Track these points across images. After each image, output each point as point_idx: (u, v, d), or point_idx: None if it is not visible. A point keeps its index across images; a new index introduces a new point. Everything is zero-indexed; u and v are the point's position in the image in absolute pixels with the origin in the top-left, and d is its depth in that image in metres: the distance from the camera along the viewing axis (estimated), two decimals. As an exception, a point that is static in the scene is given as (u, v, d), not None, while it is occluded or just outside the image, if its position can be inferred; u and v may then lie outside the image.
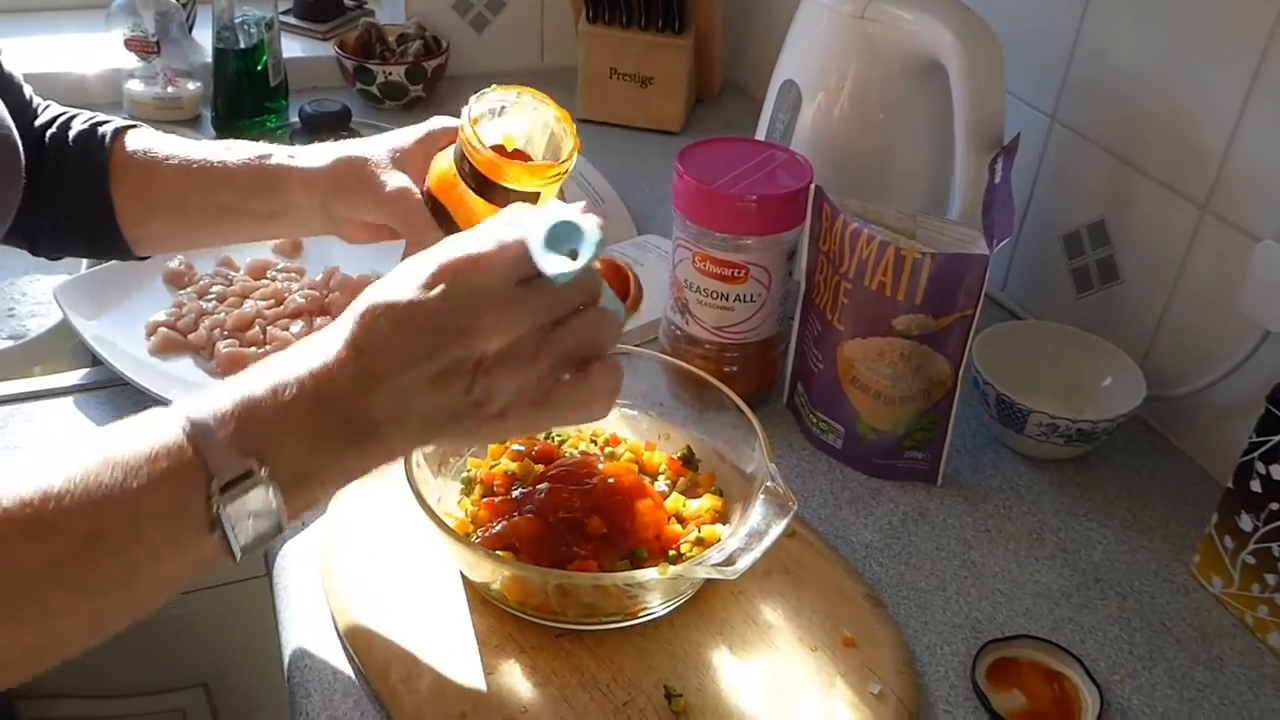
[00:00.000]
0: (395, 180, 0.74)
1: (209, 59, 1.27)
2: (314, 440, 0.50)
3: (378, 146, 0.77)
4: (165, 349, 0.90)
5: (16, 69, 0.82)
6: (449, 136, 0.76)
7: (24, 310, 1.20)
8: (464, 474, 0.74)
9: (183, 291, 0.96)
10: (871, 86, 0.92)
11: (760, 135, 1.02)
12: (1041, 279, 1.03)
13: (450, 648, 0.65)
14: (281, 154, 0.78)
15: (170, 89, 1.30)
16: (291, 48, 1.40)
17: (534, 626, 0.67)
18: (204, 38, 1.31)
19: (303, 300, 0.94)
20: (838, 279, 0.80)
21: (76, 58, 1.34)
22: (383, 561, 0.71)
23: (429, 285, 0.52)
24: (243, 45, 1.23)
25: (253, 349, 0.89)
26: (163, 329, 0.91)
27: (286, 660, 0.68)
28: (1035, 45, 0.99)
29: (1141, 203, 0.91)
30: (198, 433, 0.48)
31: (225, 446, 0.48)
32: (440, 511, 0.66)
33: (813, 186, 0.82)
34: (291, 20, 1.47)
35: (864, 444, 0.83)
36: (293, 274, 0.99)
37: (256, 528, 0.49)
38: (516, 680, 0.64)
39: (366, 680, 0.65)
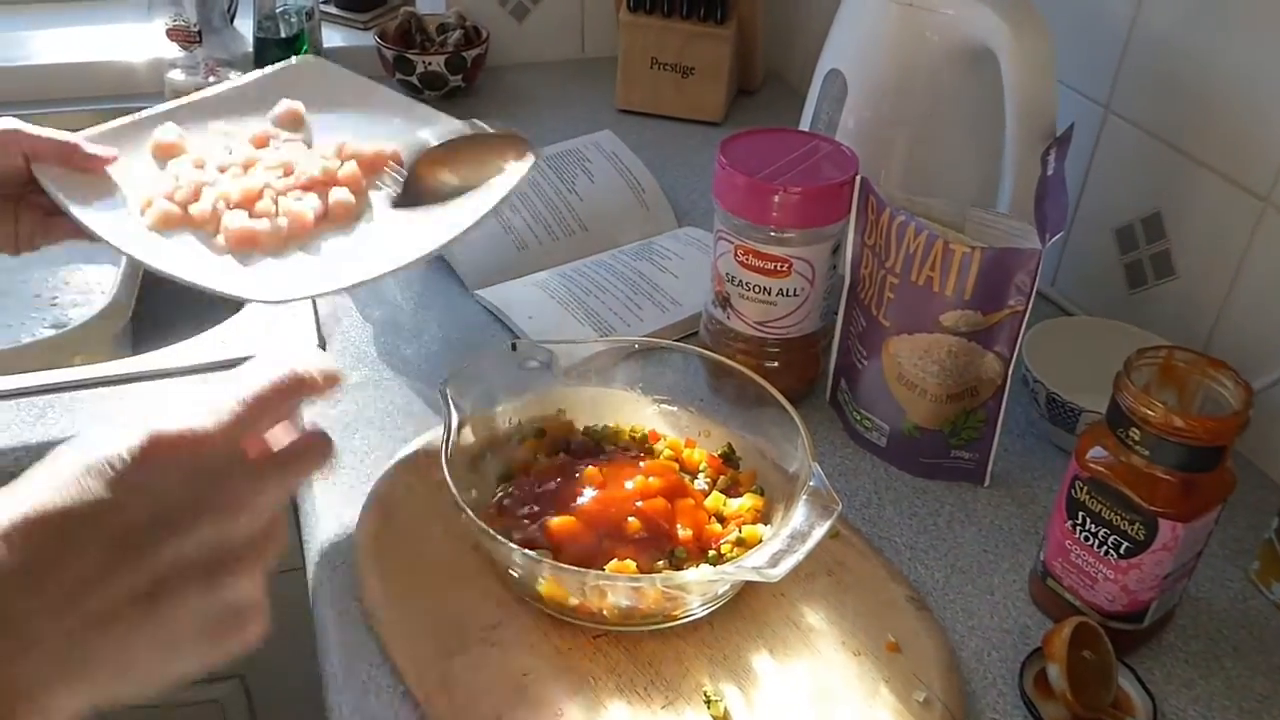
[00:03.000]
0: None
1: (250, 48, 1.27)
2: None
3: None
4: (165, 225, 0.80)
5: None
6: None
7: (66, 299, 1.21)
8: (499, 470, 0.73)
9: (174, 161, 0.86)
10: (919, 75, 0.90)
11: (804, 126, 1.00)
12: (1093, 274, 1.00)
13: (487, 647, 0.64)
14: None
15: (211, 78, 1.30)
16: (332, 37, 1.40)
17: (571, 627, 0.66)
18: (245, 27, 1.31)
19: (316, 173, 0.85)
20: (883, 273, 0.78)
21: (120, 47, 1.34)
22: (419, 559, 0.70)
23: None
24: (284, 35, 1.23)
25: (264, 221, 0.80)
26: (160, 200, 0.80)
27: (321, 656, 0.67)
28: (1089, 32, 0.96)
29: (1199, 195, 0.88)
30: None
31: None
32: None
33: (858, 178, 0.80)
34: (332, 10, 1.46)
35: (909, 442, 0.81)
36: (299, 145, 0.90)
37: None
38: (553, 682, 0.63)
39: (401, 678, 0.64)
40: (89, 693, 0.42)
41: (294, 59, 0.98)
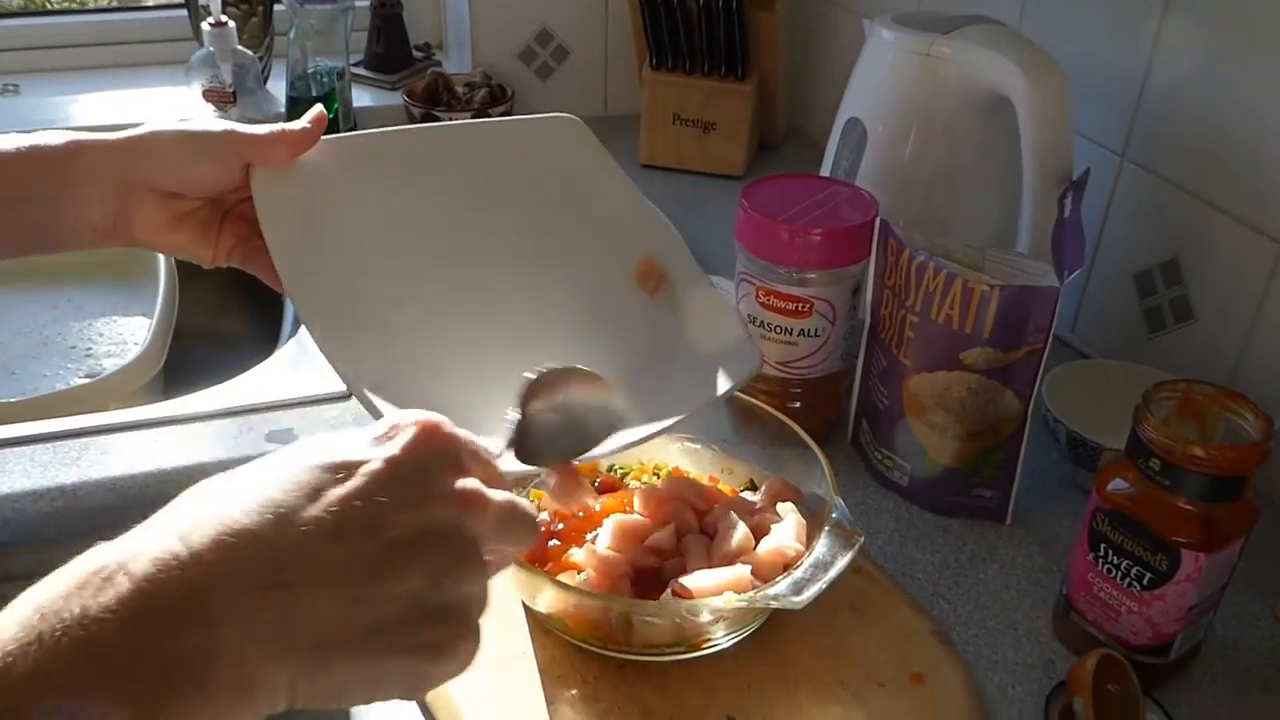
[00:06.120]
0: (219, 124, 0.65)
1: (283, 108, 1.31)
2: None
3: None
4: None
5: None
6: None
7: (100, 350, 1.23)
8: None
9: None
10: (937, 122, 0.92)
11: (824, 175, 1.02)
12: (1112, 319, 1.01)
13: (512, 677, 0.65)
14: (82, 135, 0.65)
15: (245, 137, 1.34)
16: (361, 97, 1.44)
17: (596, 657, 0.66)
18: (278, 88, 1.35)
19: None
20: (903, 313, 0.79)
21: (156, 109, 1.39)
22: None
23: None
24: (315, 94, 1.27)
25: None
26: None
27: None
28: (1104, 82, 0.98)
29: (1217, 240, 0.89)
30: None
31: None
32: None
33: (878, 220, 0.82)
34: (362, 71, 1.51)
35: (930, 481, 0.82)
36: None
37: None
38: (578, 711, 0.63)
39: (429, 710, 0.64)
40: (290, 673, 0.41)
41: (554, 116, 0.76)
